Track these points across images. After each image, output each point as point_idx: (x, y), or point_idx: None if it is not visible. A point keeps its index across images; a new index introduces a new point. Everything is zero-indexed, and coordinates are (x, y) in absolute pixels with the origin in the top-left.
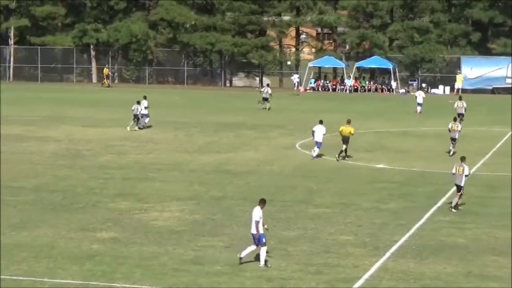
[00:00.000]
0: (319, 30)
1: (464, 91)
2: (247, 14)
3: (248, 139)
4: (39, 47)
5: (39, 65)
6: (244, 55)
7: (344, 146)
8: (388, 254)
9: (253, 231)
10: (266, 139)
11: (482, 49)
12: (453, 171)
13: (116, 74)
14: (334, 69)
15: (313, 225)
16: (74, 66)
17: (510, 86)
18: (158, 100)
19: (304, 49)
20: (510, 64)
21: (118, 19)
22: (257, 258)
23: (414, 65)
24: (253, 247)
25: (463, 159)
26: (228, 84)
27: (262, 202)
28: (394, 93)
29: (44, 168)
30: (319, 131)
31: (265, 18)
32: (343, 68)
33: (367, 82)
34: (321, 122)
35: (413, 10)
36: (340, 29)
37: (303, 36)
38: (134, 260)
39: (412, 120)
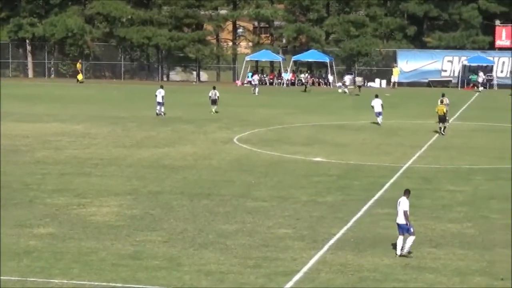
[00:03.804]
0: (256, 24)
1: (400, 84)
2: (183, 8)
3: (185, 133)
4: None
5: None
6: (181, 49)
7: (440, 124)
8: (326, 247)
9: (401, 221)
10: (203, 133)
11: (418, 43)
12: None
13: (52, 69)
14: (271, 63)
15: (251, 218)
16: (10, 61)
17: (445, 79)
18: (95, 95)
19: (241, 43)
20: (445, 57)
21: (54, 13)
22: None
23: (350, 59)
24: (400, 238)
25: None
26: (165, 79)
27: (408, 193)
28: (331, 86)
29: None
30: (377, 103)
31: (202, 12)
32: (280, 62)
33: (303, 76)
34: (376, 96)
35: (349, 4)
36: (277, 23)
37: (240, 30)
38: (72, 255)
39: (348, 114)
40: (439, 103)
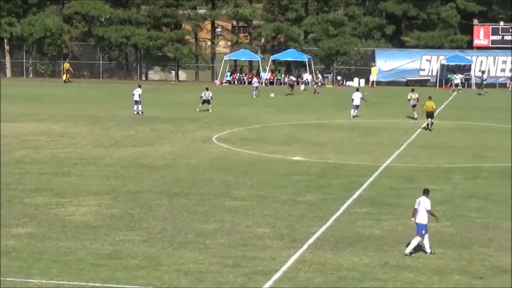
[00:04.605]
0: (235, 23)
1: (378, 83)
2: (162, 7)
3: (164, 132)
4: None
5: None
6: (160, 48)
7: (428, 120)
8: (305, 246)
9: (421, 220)
10: (182, 132)
11: (396, 42)
12: None
13: (30, 68)
14: (250, 62)
15: (230, 218)
16: None
17: (423, 78)
18: (73, 94)
19: (219, 43)
20: (423, 57)
21: (32, 13)
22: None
23: (329, 58)
24: (418, 239)
25: None
26: (144, 78)
27: (427, 192)
28: (310, 85)
29: None
30: (357, 97)
31: (180, 12)
32: (258, 61)
33: (282, 75)
34: (357, 89)
35: (327, 3)
36: (255, 22)
37: (218, 29)
38: (51, 255)
39: (326, 112)
40: (427, 99)
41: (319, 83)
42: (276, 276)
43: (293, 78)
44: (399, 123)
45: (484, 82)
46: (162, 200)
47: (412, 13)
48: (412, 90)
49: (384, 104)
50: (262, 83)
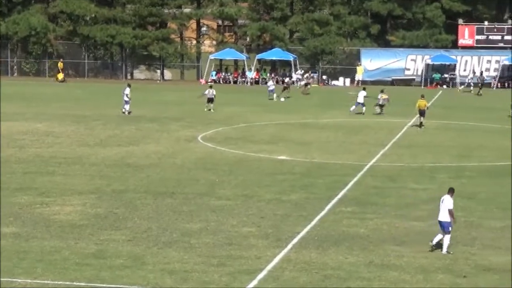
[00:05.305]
0: (220, 22)
1: (364, 82)
2: (147, 6)
3: (150, 132)
4: None
5: None
6: (145, 47)
7: (421, 119)
8: (290, 245)
9: (444, 218)
10: (167, 132)
11: (381, 41)
12: None
13: (15, 67)
14: (235, 61)
15: (215, 217)
16: None
17: (408, 77)
18: (58, 93)
19: (205, 42)
20: (408, 56)
21: (17, 11)
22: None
23: (314, 57)
24: (440, 236)
25: None
26: (129, 77)
27: (452, 191)
28: (295, 84)
29: None
30: (361, 95)
31: (166, 10)
32: (244, 60)
33: (268, 74)
34: (364, 88)
35: (313, 2)
36: (240, 21)
37: (204, 28)
38: (36, 255)
39: (312, 112)
40: (420, 98)
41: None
42: (261, 275)
43: (290, 79)
44: (384, 122)
45: (483, 82)
46: (147, 200)
47: (398, 13)
48: (382, 91)
49: (370, 103)
50: (247, 82)
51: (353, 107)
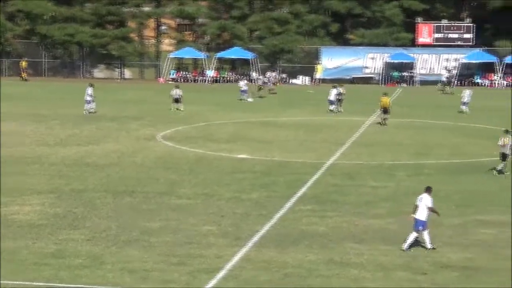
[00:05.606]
0: (179, 21)
1: (324, 81)
2: (106, 5)
3: (109, 131)
4: None
5: None
6: (104, 46)
7: (384, 115)
8: (250, 244)
9: (421, 217)
10: (127, 131)
11: (341, 40)
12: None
13: None
14: (195, 60)
15: (175, 216)
16: None
17: (368, 76)
18: (17, 92)
19: (164, 41)
20: (368, 54)
21: None
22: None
23: (273, 56)
24: (413, 234)
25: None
26: (88, 76)
27: (430, 190)
28: (255, 83)
29: None
30: (332, 93)
31: (125, 9)
32: (203, 59)
33: (227, 73)
34: (335, 86)
35: (272, 1)
36: (200, 20)
37: (163, 27)
38: None
39: (271, 110)
40: (382, 96)
41: (269, 83)
42: (221, 274)
43: (262, 79)
44: (344, 121)
45: (453, 80)
46: (106, 199)
47: (357, 11)
48: (334, 87)
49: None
50: (207, 81)
51: (332, 106)
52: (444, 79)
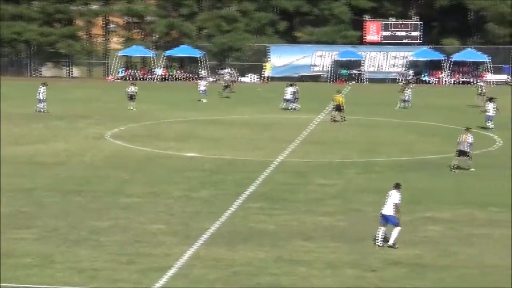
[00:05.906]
0: (128, 19)
1: (272, 79)
2: (54, 3)
3: (58, 130)
4: None
5: None
6: (52, 44)
7: (337, 113)
8: (199, 242)
9: (388, 212)
10: (75, 129)
11: (289, 38)
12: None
13: None
14: (143, 58)
15: (124, 215)
16: None
17: (316, 73)
18: None
19: (112, 39)
20: (316, 52)
21: None
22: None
23: (222, 54)
24: (382, 229)
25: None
26: (36, 75)
27: (399, 186)
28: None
29: None
30: (288, 91)
31: (73, 7)
32: (151, 57)
33: (176, 71)
34: (291, 85)
35: None
36: (148, 18)
37: (111, 25)
38: None
39: (220, 109)
40: (336, 93)
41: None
42: (170, 272)
43: (229, 78)
44: (293, 118)
45: (409, 78)
46: (55, 198)
47: (305, 9)
48: (290, 85)
49: (278, 100)
50: (155, 80)
51: (282, 103)
52: (409, 77)
